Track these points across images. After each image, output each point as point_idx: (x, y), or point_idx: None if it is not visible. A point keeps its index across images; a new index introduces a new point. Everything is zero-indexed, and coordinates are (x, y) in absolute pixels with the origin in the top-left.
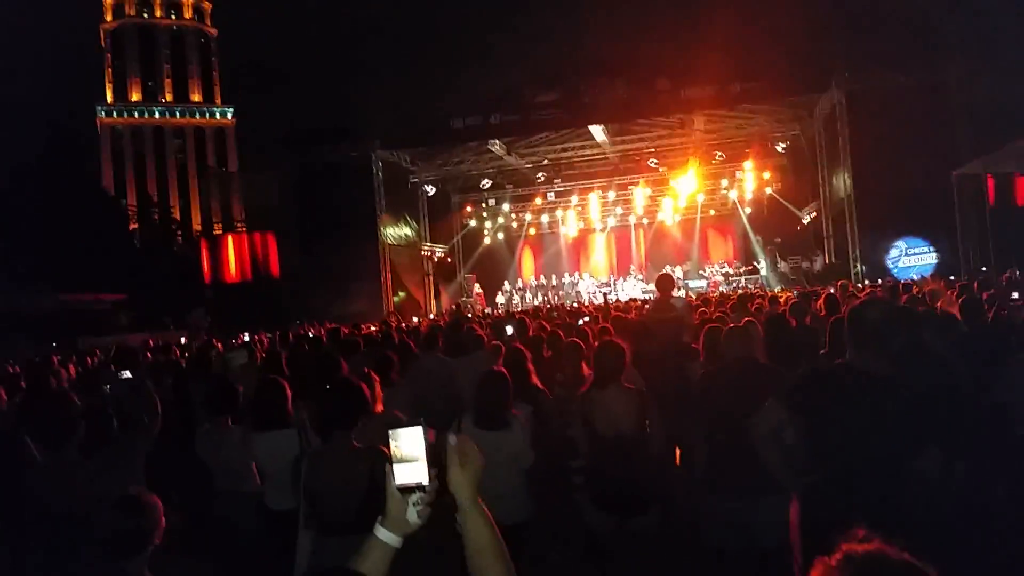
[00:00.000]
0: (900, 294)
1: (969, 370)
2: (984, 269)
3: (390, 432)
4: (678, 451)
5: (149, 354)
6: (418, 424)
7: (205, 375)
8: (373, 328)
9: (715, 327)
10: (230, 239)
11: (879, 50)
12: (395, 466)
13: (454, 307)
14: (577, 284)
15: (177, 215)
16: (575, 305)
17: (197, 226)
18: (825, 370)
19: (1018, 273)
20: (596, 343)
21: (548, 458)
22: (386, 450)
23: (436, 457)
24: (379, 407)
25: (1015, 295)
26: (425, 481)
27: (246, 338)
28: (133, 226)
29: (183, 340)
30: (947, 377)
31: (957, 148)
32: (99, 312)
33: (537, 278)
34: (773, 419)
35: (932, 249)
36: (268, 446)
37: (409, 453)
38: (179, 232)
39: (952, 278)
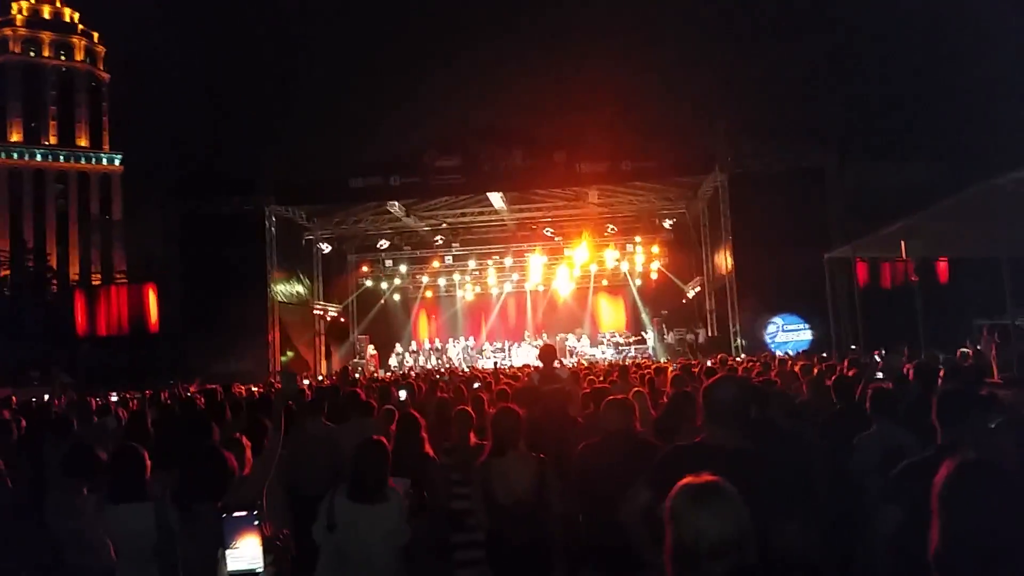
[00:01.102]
0: (772, 368)
1: (832, 445)
2: (853, 347)
3: (223, 518)
4: None
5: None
6: (253, 512)
7: (64, 437)
8: (255, 389)
9: (600, 397)
10: (107, 290)
11: (759, 136)
12: (228, 552)
13: (345, 369)
14: (471, 348)
15: (54, 263)
16: (468, 370)
17: (76, 276)
18: (683, 448)
19: (883, 352)
20: (490, 410)
21: (431, 532)
22: (244, 515)
23: (271, 544)
24: (247, 471)
25: (879, 374)
26: (260, 568)
27: (114, 397)
28: (4, 272)
29: (46, 397)
30: (798, 451)
31: (829, 231)
32: None
33: (432, 341)
34: (641, 501)
35: (807, 326)
36: (122, 519)
37: (243, 539)
38: (54, 281)
39: (824, 355)
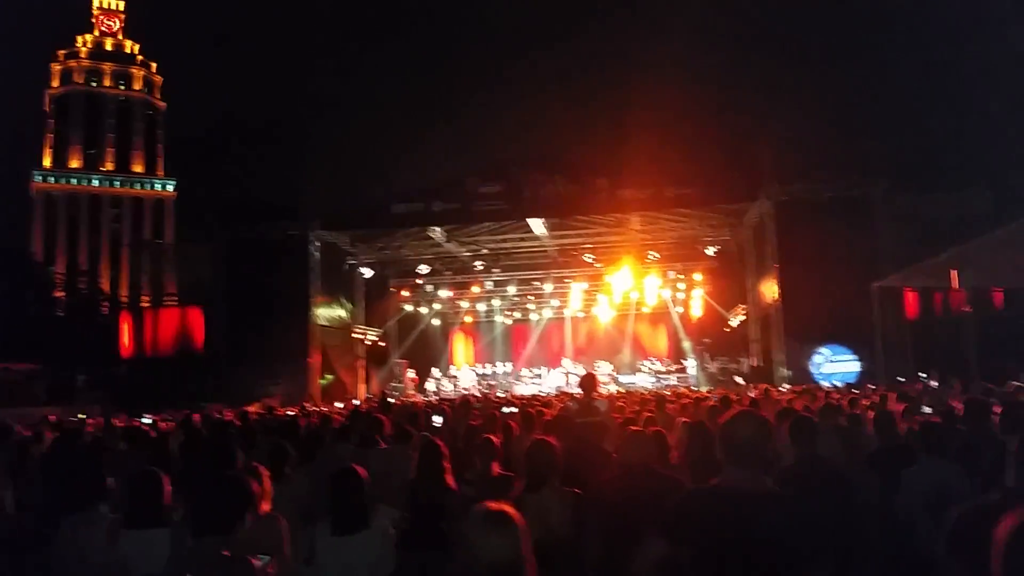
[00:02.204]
0: (819, 400)
1: (876, 484)
2: (901, 379)
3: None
4: None
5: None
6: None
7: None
8: (291, 412)
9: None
10: (155, 313)
11: (806, 164)
12: None
13: (381, 393)
14: (509, 374)
15: (107, 286)
16: (504, 395)
17: (126, 299)
18: (697, 492)
19: (931, 383)
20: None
21: (451, 568)
22: (255, 563)
23: None
24: (266, 505)
25: (926, 408)
26: None
27: (146, 420)
28: (59, 294)
29: (82, 416)
30: (840, 492)
31: (878, 261)
32: (10, 382)
33: (471, 366)
34: (654, 553)
35: (854, 357)
36: (137, 545)
37: None
38: (105, 303)
39: (872, 387)
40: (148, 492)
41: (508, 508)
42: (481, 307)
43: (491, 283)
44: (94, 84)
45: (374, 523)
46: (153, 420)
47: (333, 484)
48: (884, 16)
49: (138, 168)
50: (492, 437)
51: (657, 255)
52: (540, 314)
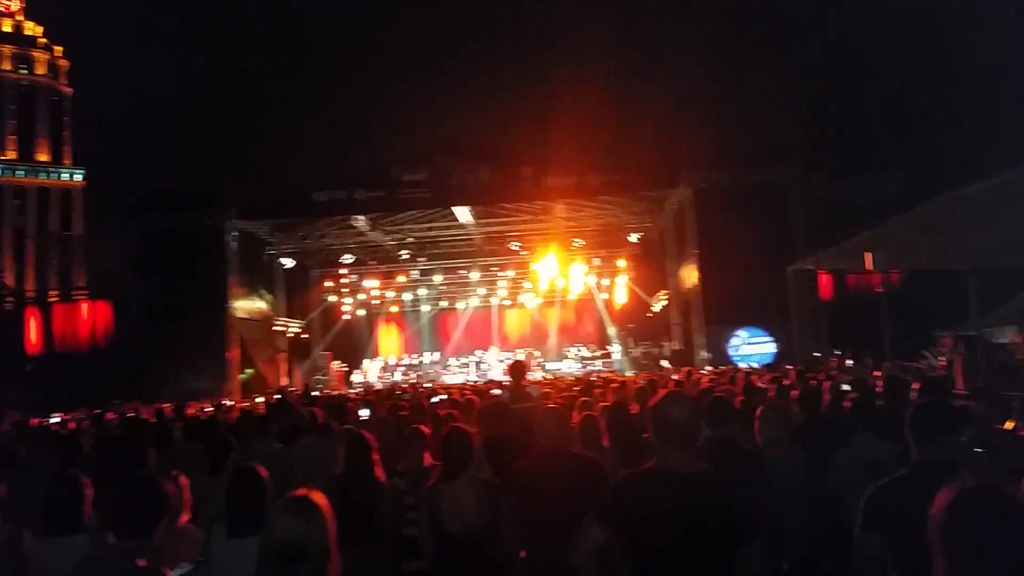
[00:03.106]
0: (738, 382)
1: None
2: (816, 355)
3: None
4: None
5: None
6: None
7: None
8: (208, 409)
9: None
10: (63, 308)
11: (722, 150)
12: None
13: (306, 387)
14: (438, 363)
15: (11, 280)
16: (432, 384)
17: (32, 293)
18: (635, 476)
19: (846, 361)
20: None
21: (381, 560)
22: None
23: None
24: (185, 515)
25: (845, 386)
26: None
27: (55, 419)
28: None
29: None
30: (758, 470)
31: (793, 245)
32: None
33: (398, 357)
34: (592, 539)
35: (770, 339)
36: (55, 554)
37: None
38: (9, 298)
39: (789, 366)
40: (66, 497)
41: (314, 494)
42: (407, 296)
43: (417, 272)
44: None
45: None
46: (62, 419)
47: (230, 484)
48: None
49: (43, 157)
50: (422, 427)
51: (582, 242)
52: (467, 303)
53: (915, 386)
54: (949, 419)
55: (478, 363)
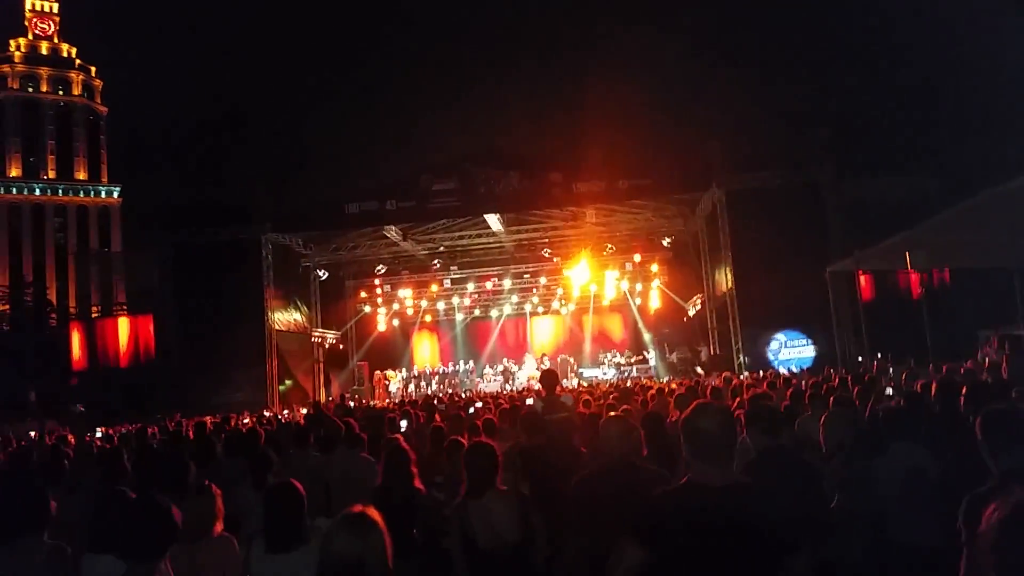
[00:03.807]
0: (778, 386)
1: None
2: (860, 359)
3: None
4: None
5: None
6: None
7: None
8: (246, 421)
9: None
10: (105, 323)
11: (755, 152)
12: None
13: (340, 397)
14: (472, 371)
15: (54, 297)
16: (468, 393)
17: (74, 310)
18: (669, 493)
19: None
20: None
21: (422, 573)
22: None
23: None
24: (219, 526)
25: (889, 391)
26: None
27: (99, 434)
28: (4, 307)
29: (32, 434)
30: (810, 481)
31: (830, 245)
32: None
33: (433, 366)
34: (629, 561)
35: (809, 342)
36: (96, 571)
37: None
38: (53, 315)
39: (831, 371)
40: (109, 513)
41: (370, 511)
42: (440, 306)
43: (449, 281)
44: (31, 90)
45: (314, 538)
46: (105, 434)
47: (267, 499)
48: (829, 6)
49: (81, 175)
50: (460, 438)
51: (614, 247)
52: (500, 310)
53: (963, 391)
54: (1020, 426)
55: (512, 372)
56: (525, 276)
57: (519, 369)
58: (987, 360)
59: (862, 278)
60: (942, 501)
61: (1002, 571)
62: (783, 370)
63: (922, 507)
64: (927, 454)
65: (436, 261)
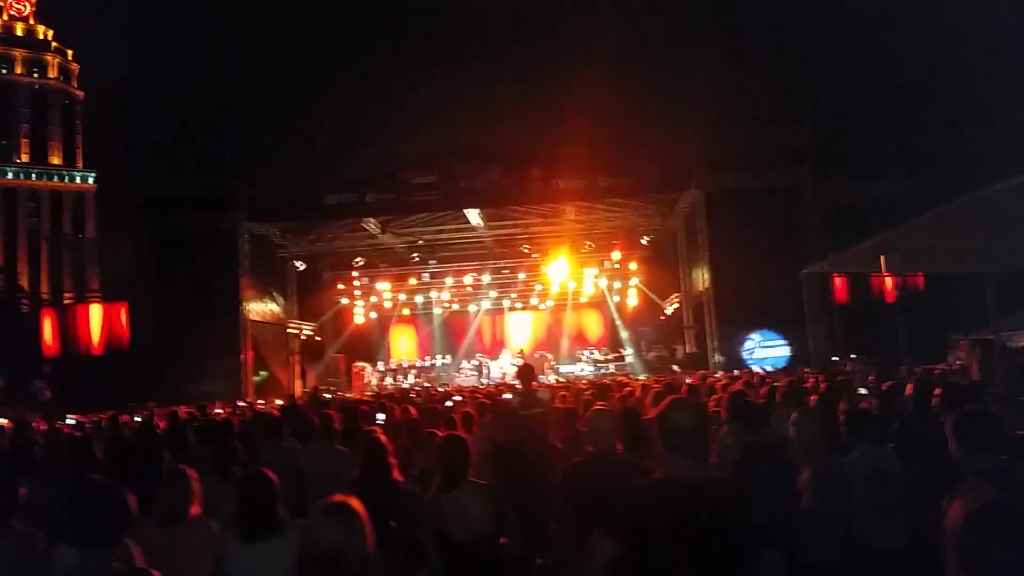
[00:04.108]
0: (756, 385)
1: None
2: (835, 359)
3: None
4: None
5: None
6: None
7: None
8: (220, 411)
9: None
10: (78, 310)
11: (734, 153)
12: None
13: (315, 389)
14: (450, 365)
15: (26, 283)
16: (445, 387)
17: (47, 295)
18: (642, 487)
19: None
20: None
21: (400, 564)
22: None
23: None
24: (196, 509)
25: (862, 390)
26: None
27: (70, 421)
28: None
29: (3, 422)
30: (787, 478)
31: (806, 247)
32: None
33: (410, 359)
34: (605, 554)
35: (784, 342)
36: (69, 559)
37: None
38: (25, 301)
39: (807, 370)
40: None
41: (352, 501)
42: (419, 299)
43: (427, 275)
44: (4, 71)
45: (288, 528)
46: (77, 422)
47: (240, 489)
48: (808, 6)
49: (56, 160)
50: (435, 431)
51: (592, 245)
52: (478, 305)
53: (936, 392)
54: (995, 428)
55: (488, 366)
56: (504, 271)
57: (493, 363)
58: (957, 363)
59: (837, 280)
60: (909, 503)
61: (966, 568)
62: (757, 369)
63: (887, 510)
64: (892, 455)
65: (415, 255)
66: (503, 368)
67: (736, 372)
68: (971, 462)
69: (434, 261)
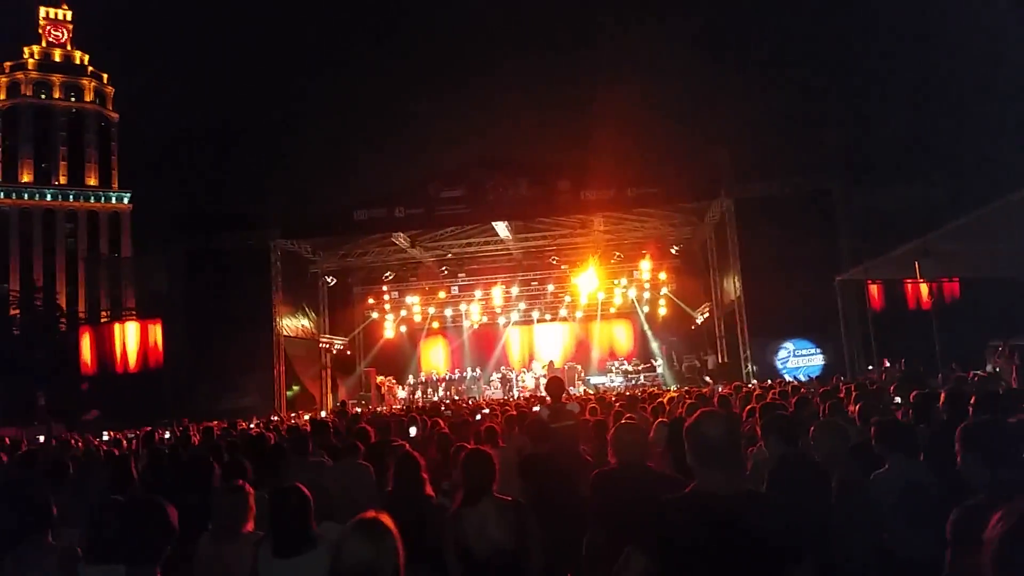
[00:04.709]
0: (791, 396)
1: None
2: (870, 368)
3: None
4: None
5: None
6: None
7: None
8: (253, 426)
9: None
10: (113, 328)
11: (764, 160)
12: None
13: (343, 403)
14: (480, 378)
15: (64, 302)
16: (475, 400)
17: (84, 315)
18: (673, 501)
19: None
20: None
21: None
22: None
23: None
24: (250, 524)
25: (897, 399)
26: None
27: (105, 437)
28: (14, 313)
29: (40, 438)
30: (823, 490)
31: (839, 255)
32: None
33: (440, 372)
34: (635, 569)
35: (818, 351)
36: None
37: None
38: (63, 320)
39: (843, 377)
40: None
41: (383, 518)
42: (448, 312)
43: (457, 288)
44: (43, 96)
45: (322, 543)
46: (112, 438)
47: (274, 503)
48: (838, 12)
49: (92, 181)
50: (465, 445)
51: (621, 255)
52: (508, 317)
53: (972, 400)
54: (1019, 437)
55: (517, 378)
56: (533, 283)
57: (525, 374)
58: (996, 369)
59: (872, 287)
60: (943, 515)
61: None
62: (790, 378)
63: (921, 522)
64: (925, 468)
65: (444, 268)
66: (531, 379)
67: (770, 382)
68: (993, 473)
69: (463, 274)
